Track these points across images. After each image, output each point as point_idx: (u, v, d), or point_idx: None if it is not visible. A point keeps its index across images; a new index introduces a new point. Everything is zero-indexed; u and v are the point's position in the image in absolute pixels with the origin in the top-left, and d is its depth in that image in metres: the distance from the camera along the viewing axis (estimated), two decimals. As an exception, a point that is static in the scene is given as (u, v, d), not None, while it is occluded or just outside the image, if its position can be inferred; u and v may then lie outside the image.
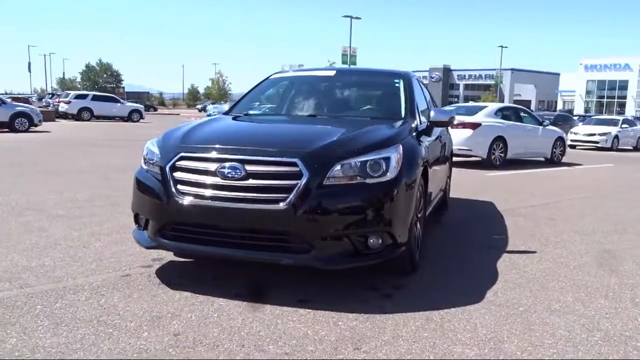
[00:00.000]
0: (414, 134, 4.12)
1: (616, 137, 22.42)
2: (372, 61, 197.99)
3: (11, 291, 3.39)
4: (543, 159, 14.25)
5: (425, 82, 75.49)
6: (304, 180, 3.15)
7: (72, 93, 34.81)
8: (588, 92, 61.37)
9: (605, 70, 59.38)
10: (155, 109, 60.58)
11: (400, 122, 4.21)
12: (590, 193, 8.91)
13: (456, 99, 74.66)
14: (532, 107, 62.25)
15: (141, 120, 32.80)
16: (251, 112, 4.87)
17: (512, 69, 71.30)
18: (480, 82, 78.09)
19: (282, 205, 3.14)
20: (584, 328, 3.07)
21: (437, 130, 5.02)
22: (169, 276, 3.74)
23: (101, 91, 43.68)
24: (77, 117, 30.58)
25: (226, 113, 4.83)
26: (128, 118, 32.53)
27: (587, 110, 56.27)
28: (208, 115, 44.24)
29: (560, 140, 14.67)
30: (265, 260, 3.44)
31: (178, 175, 3.40)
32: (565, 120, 26.56)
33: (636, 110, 52.92)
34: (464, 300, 3.43)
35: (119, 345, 2.67)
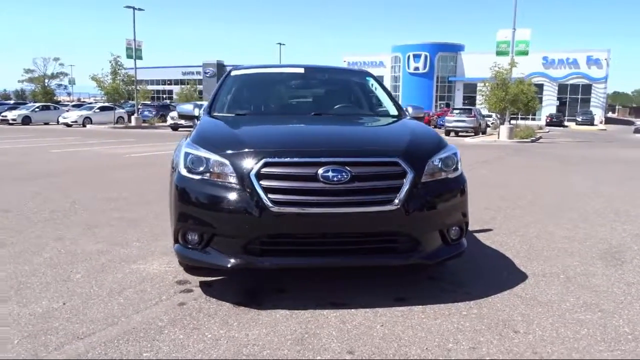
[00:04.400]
0: None
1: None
2: (154, 56, 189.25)
3: (75, 343, 2.70)
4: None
5: (200, 77, 74.56)
6: (409, 179, 3.17)
7: None
8: (352, 87, 68.24)
9: (364, 66, 66.71)
10: None
11: (402, 119, 4.39)
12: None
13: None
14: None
15: None
16: (242, 112, 4.45)
17: (284, 65, 74.96)
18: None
19: (393, 205, 3.11)
20: (622, 283, 3.73)
21: None
22: (233, 296, 3.37)
23: None
24: None
25: (209, 114, 4.34)
26: None
27: (352, 102, 62.55)
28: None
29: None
30: (374, 265, 3.36)
31: (266, 183, 3.08)
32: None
33: (392, 102, 60.70)
34: (509, 276, 3.86)
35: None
